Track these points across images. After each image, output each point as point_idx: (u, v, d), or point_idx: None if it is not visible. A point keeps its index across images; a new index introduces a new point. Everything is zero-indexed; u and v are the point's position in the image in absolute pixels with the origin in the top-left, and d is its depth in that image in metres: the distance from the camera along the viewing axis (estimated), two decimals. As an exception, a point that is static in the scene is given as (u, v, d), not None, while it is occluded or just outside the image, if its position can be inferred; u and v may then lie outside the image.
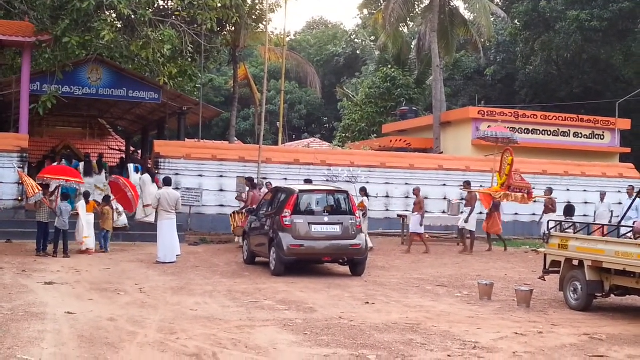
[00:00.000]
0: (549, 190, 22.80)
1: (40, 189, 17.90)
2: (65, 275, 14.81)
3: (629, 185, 22.51)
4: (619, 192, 28.44)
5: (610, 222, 22.15)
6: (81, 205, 18.87)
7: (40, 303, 11.54)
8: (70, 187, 19.73)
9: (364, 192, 21.75)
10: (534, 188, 25.19)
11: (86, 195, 19.29)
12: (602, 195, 23.85)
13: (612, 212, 23.14)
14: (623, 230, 13.14)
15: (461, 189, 23.26)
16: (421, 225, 21.10)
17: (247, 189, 21.80)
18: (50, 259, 17.47)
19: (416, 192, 21.86)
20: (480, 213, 22.56)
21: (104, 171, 25.07)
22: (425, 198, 25.85)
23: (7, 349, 8.47)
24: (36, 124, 31.06)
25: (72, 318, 10.39)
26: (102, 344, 8.89)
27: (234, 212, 21.52)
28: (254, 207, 19.01)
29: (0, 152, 22.02)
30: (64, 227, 17.97)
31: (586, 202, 27.60)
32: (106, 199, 19.80)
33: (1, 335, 9.14)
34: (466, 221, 21.53)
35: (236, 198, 22.64)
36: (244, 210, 20.79)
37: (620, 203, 27.71)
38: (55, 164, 22.93)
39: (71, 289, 13.17)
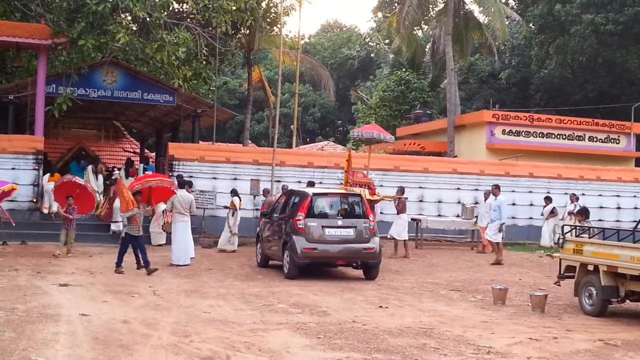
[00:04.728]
0: (401, 190, 21.93)
1: (136, 204, 16.45)
2: (80, 277, 14.87)
3: (494, 185, 21.69)
4: (635, 196, 28.35)
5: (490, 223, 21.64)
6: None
7: (54, 305, 11.59)
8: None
9: (234, 193, 21.52)
10: (549, 192, 25.20)
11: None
12: (486, 195, 22.44)
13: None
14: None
15: None
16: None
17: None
18: (63, 259, 17.54)
19: (264, 192, 21.89)
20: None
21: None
22: (439, 202, 25.96)
23: (22, 350, 8.52)
24: (51, 126, 31.18)
25: (86, 320, 10.43)
26: (116, 346, 8.92)
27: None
28: (267, 210, 19.06)
29: (16, 154, 22.15)
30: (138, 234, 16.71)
31: (601, 207, 27.47)
32: None
33: (16, 336, 9.19)
34: None
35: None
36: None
37: (636, 208, 27.69)
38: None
39: (85, 291, 13.22)
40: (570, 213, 23.49)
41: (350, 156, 21.05)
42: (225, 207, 21.71)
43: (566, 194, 25.80)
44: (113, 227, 21.54)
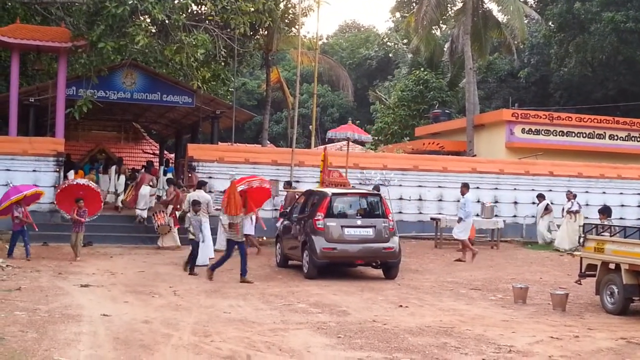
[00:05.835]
0: (376, 189, 21.45)
1: (243, 211, 15.83)
2: (101, 278, 14.96)
3: (462, 183, 21.24)
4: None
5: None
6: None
7: (76, 305, 11.67)
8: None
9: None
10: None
11: None
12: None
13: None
14: None
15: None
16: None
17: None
18: (84, 260, 17.63)
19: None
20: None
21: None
22: (458, 201, 25.77)
23: (44, 350, 8.59)
24: (72, 128, 31.41)
25: (108, 320, 10.50)
26: (137, 346, 8.97)
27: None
28: (286, 210, 19.09)
29: (37, 156, 22.30)
30: (199, 240, 16.62)
31: (622, 205, 27.25)
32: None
33: (38, 337, 9.27)
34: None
35: None
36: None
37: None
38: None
39: (106, 292, 13.31)
40: (569, 211, 23.36)
41: (326, 156, 21.04)
42: (218, 209, 21.49)
43: (587, 192, 25.63)
44: (137, 211, 22.42)
